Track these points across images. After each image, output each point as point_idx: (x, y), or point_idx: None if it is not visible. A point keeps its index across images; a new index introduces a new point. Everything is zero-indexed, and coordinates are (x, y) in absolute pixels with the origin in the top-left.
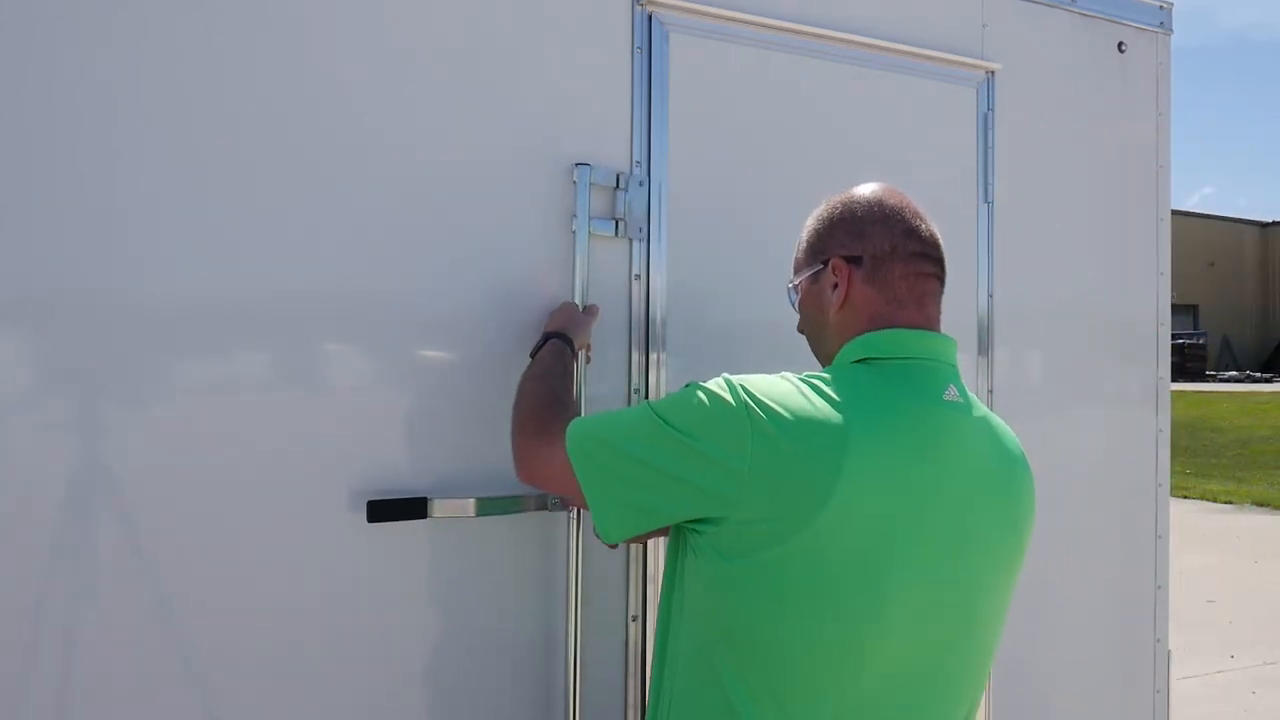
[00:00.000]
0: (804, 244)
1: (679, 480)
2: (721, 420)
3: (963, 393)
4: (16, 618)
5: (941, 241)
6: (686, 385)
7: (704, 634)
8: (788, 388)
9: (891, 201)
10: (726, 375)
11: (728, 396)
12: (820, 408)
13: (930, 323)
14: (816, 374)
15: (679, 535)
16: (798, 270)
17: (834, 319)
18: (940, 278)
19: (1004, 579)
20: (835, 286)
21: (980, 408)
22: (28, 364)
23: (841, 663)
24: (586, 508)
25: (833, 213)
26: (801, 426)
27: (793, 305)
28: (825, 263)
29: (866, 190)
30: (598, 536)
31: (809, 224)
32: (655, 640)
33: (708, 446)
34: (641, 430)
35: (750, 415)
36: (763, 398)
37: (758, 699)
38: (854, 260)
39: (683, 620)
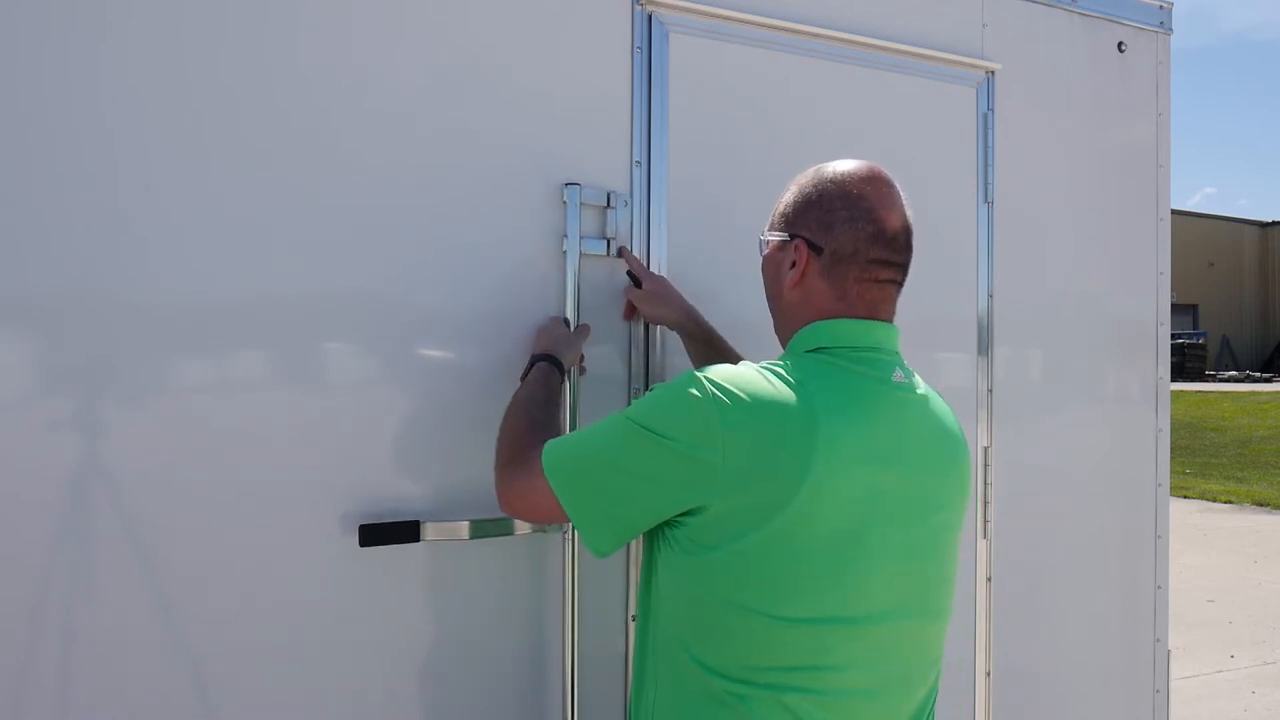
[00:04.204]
0: (781, 206)
1: (658, 482)
2: (690, 414)
3: (907, 374)
4: (12, 617)
5: (913, 232)
6: (652, 388)
7: (682, 624)
8: (752, 374)
9: (871, 196)
10: (691, 370)
11: (694, 390)
12: (784, 391)
13: (876, 319)
14: (775, 362)
15: (651, 534)
16: (771, 227)
17: (787, 295)
18: (899, 281)
19: (954, 535)
20: (793, 265)
21: (923, 386)
22: (28, 364)
23: (833, 631)
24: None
25: (809, 190)
26: (770, 410)
27: (761, 252)
28: (792, 237)
29: (850, 176)
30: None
31: (792, 188)
32: (635, 631)
33: (680, 443)
34: (614, 440)
35: (718, 404)
36: (729, 386)
37: (749, 679)
38: (816, 249)
39: (660, 612)
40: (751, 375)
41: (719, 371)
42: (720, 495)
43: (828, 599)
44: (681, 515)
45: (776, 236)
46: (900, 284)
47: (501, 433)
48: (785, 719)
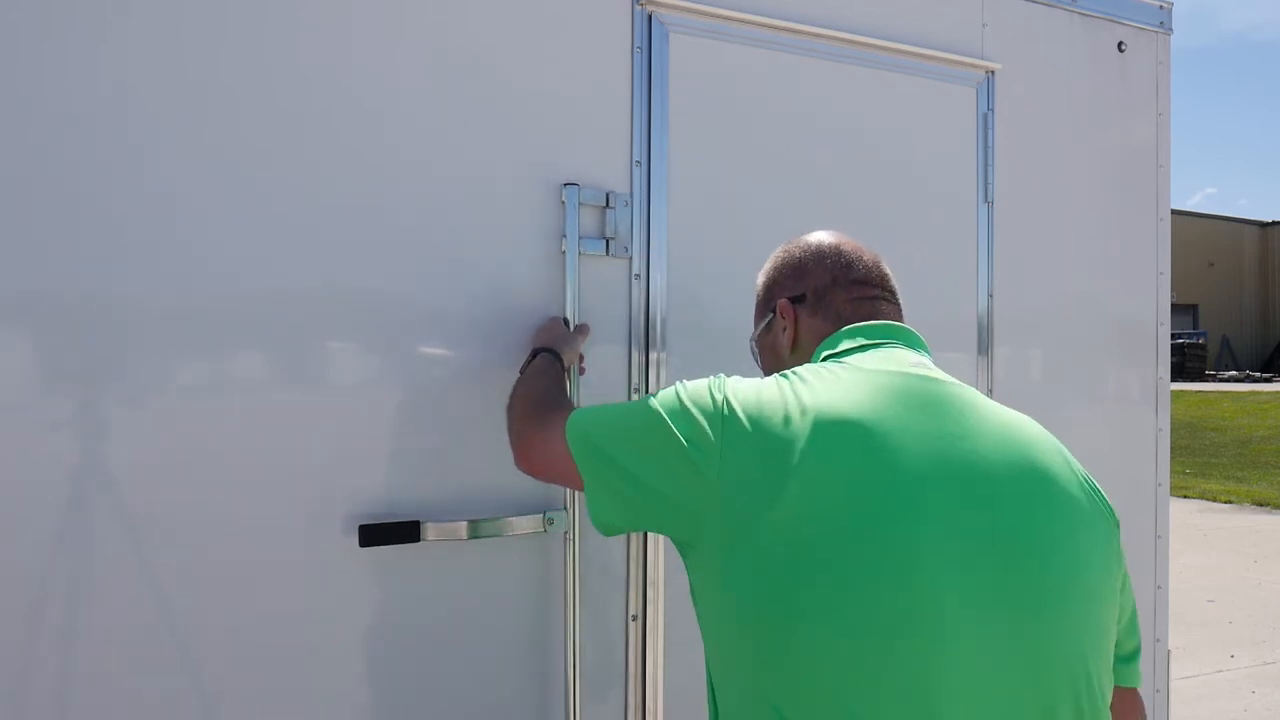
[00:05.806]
0: (757, 298)
1: (660, 473)
2: (698, 415)
3: (932, 367)
4: (12, 617)
5: (888, 272)
6: (677, 382)
7: (728, 651)
8: (766, 381)
9: (829, 241)
10: (721, 375)
11: (712, 394)
12: (788, 391)
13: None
14: (793, 369)
15: (698, 605)
16: (755, 326)
17: (790, 361)
18: (889, 300)
19: (1066, 516)
20: (785, 329)
21: (955, 381)
22: (28, 364)
23: (881, 631)
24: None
25: (775, 263)
26: (768, 409)
27: (756, 361)
28: (774, 310)
29: (805, 237)
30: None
31: (758, 280)
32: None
33: (686, 443)
34: (634, 417)
35: (729, 407)
36: (740, 389)
37: (808, 699)
38: (798, 300)
39: (726, 673)
40: (766, 382)
41: (737, 379)
42: (716, 503)
43: (865, 581)
44: (689, 541)
45: (761, 325)
46: (891, 303)
47: (516, 398)
48: None
